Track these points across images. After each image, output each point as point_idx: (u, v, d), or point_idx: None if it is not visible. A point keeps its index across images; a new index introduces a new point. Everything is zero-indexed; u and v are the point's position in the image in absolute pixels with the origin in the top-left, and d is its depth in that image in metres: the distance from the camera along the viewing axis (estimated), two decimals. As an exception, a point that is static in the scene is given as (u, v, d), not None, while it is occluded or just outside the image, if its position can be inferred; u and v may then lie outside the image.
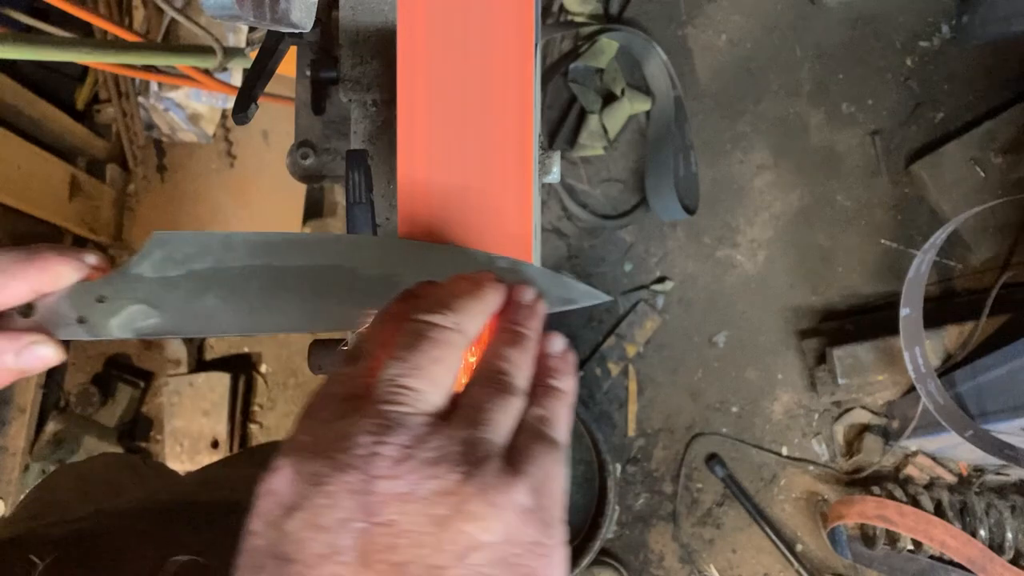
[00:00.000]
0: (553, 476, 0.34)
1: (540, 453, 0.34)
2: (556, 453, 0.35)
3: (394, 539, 0.30)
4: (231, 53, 1.07)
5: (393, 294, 0.40)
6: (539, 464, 0.33)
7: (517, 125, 0.45)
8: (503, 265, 0.44)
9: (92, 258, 0.41)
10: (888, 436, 1.61)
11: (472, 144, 0.45)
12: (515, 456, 0.33)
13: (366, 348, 0.37)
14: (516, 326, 0.39)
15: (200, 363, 1.74)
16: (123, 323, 0.41)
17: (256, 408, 1.76)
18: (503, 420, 0.34)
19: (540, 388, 0.38)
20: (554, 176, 0.58)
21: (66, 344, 0.41)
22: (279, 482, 0.32)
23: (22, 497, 0.75)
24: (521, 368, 0.37)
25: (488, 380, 0.36)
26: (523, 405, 0.36)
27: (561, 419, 0.37)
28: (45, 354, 0.39)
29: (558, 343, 0.41)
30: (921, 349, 1.41)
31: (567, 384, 0.39)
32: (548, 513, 0.32)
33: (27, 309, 0.40)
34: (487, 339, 0.39)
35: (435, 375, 0.34)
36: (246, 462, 0.93)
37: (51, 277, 0.39)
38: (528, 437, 0.35)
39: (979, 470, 1.57)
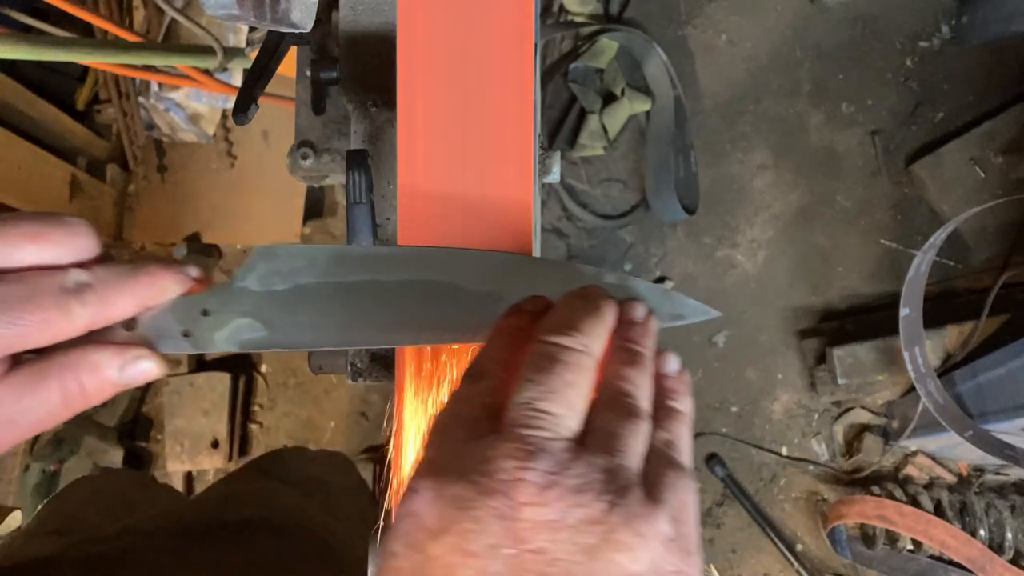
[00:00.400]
0: (688, 503, 0.34)
1: (674, 480, 0.34)
2: (687, 479, 0.35)
3: (545, 567, 0.30)
4: (231, 53, 1.08)
5: (495, 309, 0.40)
6: (675, 491, 0.33)
7: (517, 126, 0.45)
8: (611, 280, 0.43)
9: (194, 271, 0.40)
10: (888, 436, 1.61)
11: (472, 145, 0.45)
12: (651, 484, 0.33)
13: (487, 366, 0.37)
14: (633, 344, 0.39)
15: (200, 363, 1.74)
16: (228, 337, 0.41)
17: (256, 408, 1.76)
18: (636, 446, 0.34)
19: (661, 410, 0.38)
20: (554, 176, 0.58)
21: (166, 358, 0.41)
22: (420, 504, 0.32)
23: (38, 509, 0.75)
24: (643, 389, 0.37)
25: (615, 404, 0.36)
26: (650, 429, 0.36)
27: (686, 443, 0.37)
28: (148, 368, 0.39)
29: (673, 362, 0.40)
30: (921, 349, 1.41)
31: (687, 405, 0.39)
32: (688, 541, 0.33)
33: (130, 322, 0.40)
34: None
35: (571, 399, 0.34)
36: (257, 474, 0.93)
37: (157, 291, 0.39)
38: (660, 463, 0.35)
39: (979, 470, 1.57)
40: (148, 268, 0.39)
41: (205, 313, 0.40)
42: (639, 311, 0.41)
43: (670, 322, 0.44)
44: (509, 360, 0.37)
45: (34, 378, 0.37)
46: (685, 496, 0.34)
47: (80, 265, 0.37)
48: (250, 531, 0.71)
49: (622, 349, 0.38)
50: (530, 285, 0.42)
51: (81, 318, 0.36)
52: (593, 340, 0.37)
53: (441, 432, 0.35)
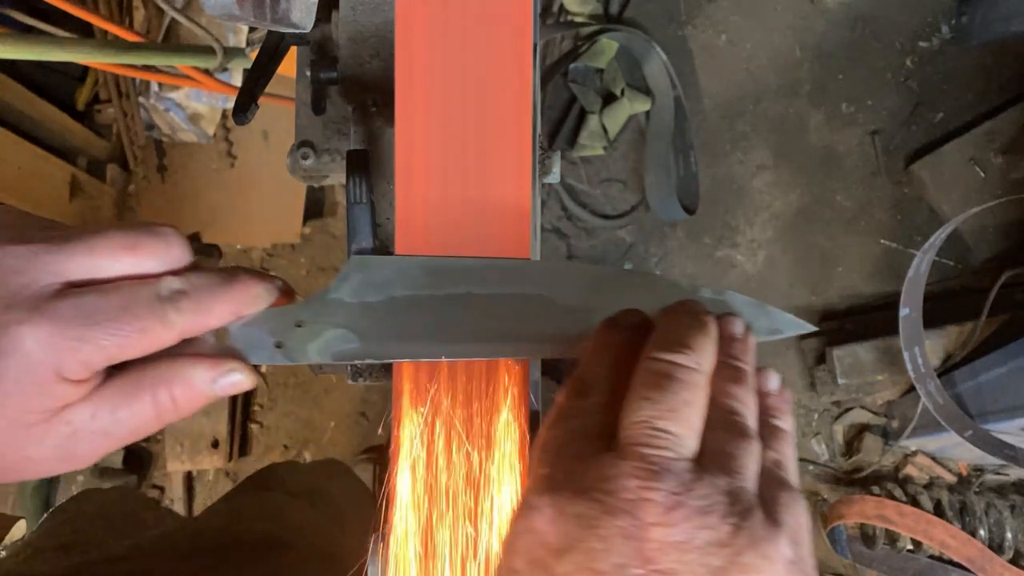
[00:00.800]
0: (804, 525, 0.34)
1: (788, 501, 0.34)
2: (801, 500, 0.35)
3: None
4: (231, 53, 1.08)
5: (588, 322, 0.41)
6: (792, 513, 0.33)
7: (516, 126, 0.45)
8: (707, 295, 0.43)
9: (280, 282, 0.41)
10: (888, 436, 1.61)
11: (470, 145, 0.45)
12: (768, 505, 0.33)
13: (593, 382, 0.37)
14: (736, 361, 0.39)
15: (200, 363, 1.74)
16: (321, 348, 0.41)
17: (256, 408, 1.76)
18: (752, 466, 0.34)
19: (766, 429, 0.38)
20: (554, 176, 0.58)
21: (258, 369, 0.41)
22: (541, 522, 0.32)
23: (43, 519, 0.73)
24: (750, 408, 0.37)
25: (727, 423, 0.35)
26: (760, 449, 0.36)
27: (793, 462, 0.37)
28: (239, 380, 0.39)
29: (774, 379, 0.40)
30: (921, 349, 1.41)
31: (789, 424, 0.39)
32: (806, 563, 0.33)
33: (221, 334, 0.40)
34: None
35: (689, 418, 0.34)
36: (257, 488, 0.92)
37: (251, 299, 0.39)
38: (772, 484, 0.35)
39: (979, 470, 1.57)
40: (241, 276, 0.39)
41: (299, 324, 0.40)
42: (738, 327, 0.41)
43: (766, 336, 0.44)
44: (615, 376, 0.37)
45: (128, 390, 0.37)
46: (801, 518, 0.34)
47: (173, 274, 0.37)
48: (263, 549, 0.71)
49: (726, 366, 0.38)
50: (623, 298, 0.42)
51: (177, 325, 0.36)
52: (704, 358, 0.36)
53: (554, 448, 0.35)
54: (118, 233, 0.36)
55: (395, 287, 0.41)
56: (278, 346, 0.40)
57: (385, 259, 0.41)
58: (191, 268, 0.39)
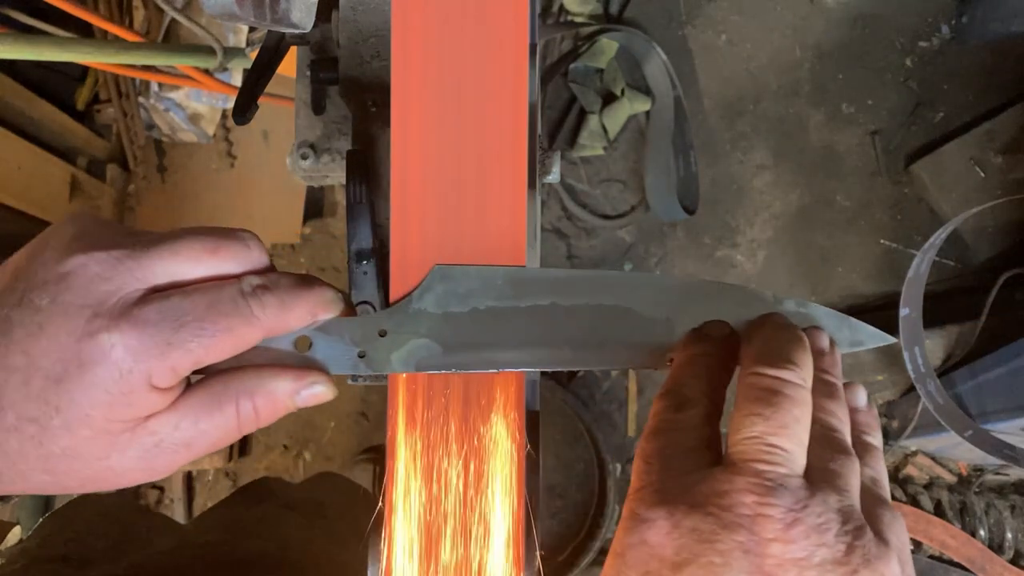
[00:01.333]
0: (907, 543, 0.34)
1: (891, 520, 0.34)
2: (900, 518, 0.35)
3: None
4: (231, 53, 1.08)
5: (671, 334, 0.41)
6: (896, 532, 0.34)
7: (512, 127, 0.45)
8: (791, 308, 0.43)
9: (344, 297, 0.41)
10: (888, 436, 1.61)
11: (467, 146, 0.45)
12: (874, 524, 0.33)
13: (690, 394, 0.37)
14: (827, 376, 0.39)
15: (200, 363, 1.74)
16: (404, 357, 0.41)
17: (256, 408, 1.76)
18: (856, 484, 0.34)
19: (859, 446, 0.38)
20: (554, 176, 0.58)
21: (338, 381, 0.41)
22: (656, 535, 0.32)
23: (40, 522, 0.72)
24: (846, 424, 0.37)
25: (828, 440, 0.36)
26: (859, 466, 0.36)
27: (886, 478, 0.38)
28: (322, 392, 0.39)
29: (863, 395, 0.41)
30: (921, 349, 1.40)
31: (880, 440, 0.39)
32: None
33: (303, 343, 0.40)
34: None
35: (799, 435, 0.34)
36: (251, 500, 0.91)
37: (327, 302, 0.39)
38: (874, 502, 0.35)
39: (979, 470, 1.57)
40: (315, 282, 0.39)
41: (382, 334, 0.40)
42: (824, 340, 0.41)
43: (848, 348, 0.44)
44: (710, 388, 0.37)
45: (212, 400, 0.36)
46: (904, 536, 0.34)
47: (254, 273, 0.38)
48: (262, 569, 0.70)
49: (820, 381, 0.38)
50: (705, 310, 0.42)
51: (261, 322, 0.36)
52: (807, 373, 0.36)
53: (660, 460, 0.35)
54: (201, 236, 0.37)
55: (479, 298, 0.41)
56: (361, 356, 0.40)
57: (469, 269, 0.42)
58: (269, 270, 0.39)
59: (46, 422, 0.33)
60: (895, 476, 1.61)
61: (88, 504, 0.77)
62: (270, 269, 0.39)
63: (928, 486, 1.54)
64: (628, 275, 0.43)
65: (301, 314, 0.38)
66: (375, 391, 1.67)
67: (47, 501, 1.63)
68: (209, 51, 1.06)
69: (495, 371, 0.42)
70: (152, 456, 0.36)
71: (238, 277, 0.37)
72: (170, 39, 1.62)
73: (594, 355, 0.42)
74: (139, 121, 1.73)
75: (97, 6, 1.57)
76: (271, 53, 0.57)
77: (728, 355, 0.40)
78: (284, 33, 0.55)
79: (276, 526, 0.83)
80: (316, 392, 0.39)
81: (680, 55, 1.74)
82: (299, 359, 0.39)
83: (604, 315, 0.42)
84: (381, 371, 0.40)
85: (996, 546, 1.42)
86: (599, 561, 1.61)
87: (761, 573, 0.30)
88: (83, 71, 1.73)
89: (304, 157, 0.58)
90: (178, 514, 1.70)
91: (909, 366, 1.40)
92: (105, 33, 1.50)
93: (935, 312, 1.49)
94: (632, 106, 1.72)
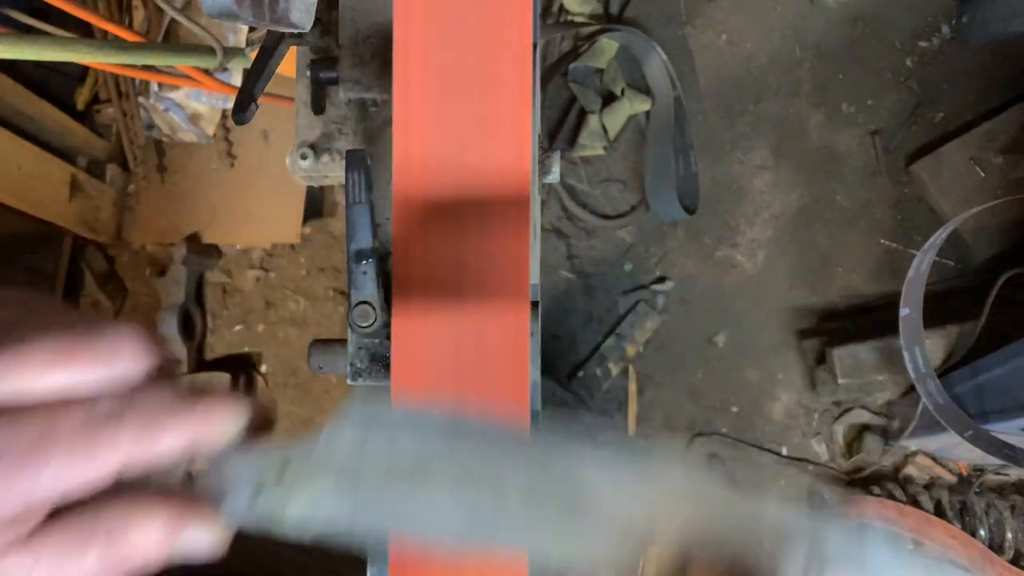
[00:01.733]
0: None
1: None
2: None
3: None
4: (231, 53, 1.08)
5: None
6: None
7: (514, 127, 0.45)
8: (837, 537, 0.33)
9: (254, 404, 0.33)
10: (888, 436, 1.61)
11: (469, 147, 0.45)
12: None
13: None
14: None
15: (200, 363, 1.74)
16: (305, 504, 0.32)
17: (256, 408, 1.76)
18: None
19: None
20: (554, 176, 0.58)
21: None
22: None
23: None
24: None
25: None
26: None
27: None
28: (203, 540, 0.31)
29: None
30: (921, 349, 1.40)
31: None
32: None
33: (188, 475, 0.32)
34: None
35: None
36: None
37: (217, 421, 0.31)
38: None
39: (979, 470, 1.57)
40: (212, 392, 0.31)
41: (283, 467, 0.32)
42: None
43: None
44: None
45: (72, 540, 0.29)
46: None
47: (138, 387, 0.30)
48: None
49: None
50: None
51: (110, 457, 0.29)
52: None
53: None
54: (49, 340, 0.29)
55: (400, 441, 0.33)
56: (255, 494, 0.32)
57: (392, 410, 0.35)
58: (163, 373, 0.31)
59: None
60: (895, 476, 1.62)
61: None
62: (160, 373, 0.31)
63: (928, 486, 1.54)
64: (583, 449, 0.33)
65: (175, 440, 0.30)
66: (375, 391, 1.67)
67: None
68: (209, 51, 1.06)
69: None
70: None
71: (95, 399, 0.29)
72: (170, 39, 1.62)
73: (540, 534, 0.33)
74: (139, 121, 1.73)
75: (97, 6, 1.57)
76: (271, 53, 0.57)
77: None
78: (284, 33, 0.55)
79: (268, 545, 0.82)
80: (196, 539, 0.31)
81: (680, 55, 1.74)
82: (182, 492, 0.31)
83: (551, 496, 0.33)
84: (275, 520, 0.32)
85: (996, 546, 1.42)
86: None
87: None
88: (83, 71, 1.73)
89: (304, 157, 0.58)
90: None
91: (909, 366, 1.40)
92: (105, 33, 1.49)
93: (935, 312, 1.49)
94: (632, 106, 1.72)
